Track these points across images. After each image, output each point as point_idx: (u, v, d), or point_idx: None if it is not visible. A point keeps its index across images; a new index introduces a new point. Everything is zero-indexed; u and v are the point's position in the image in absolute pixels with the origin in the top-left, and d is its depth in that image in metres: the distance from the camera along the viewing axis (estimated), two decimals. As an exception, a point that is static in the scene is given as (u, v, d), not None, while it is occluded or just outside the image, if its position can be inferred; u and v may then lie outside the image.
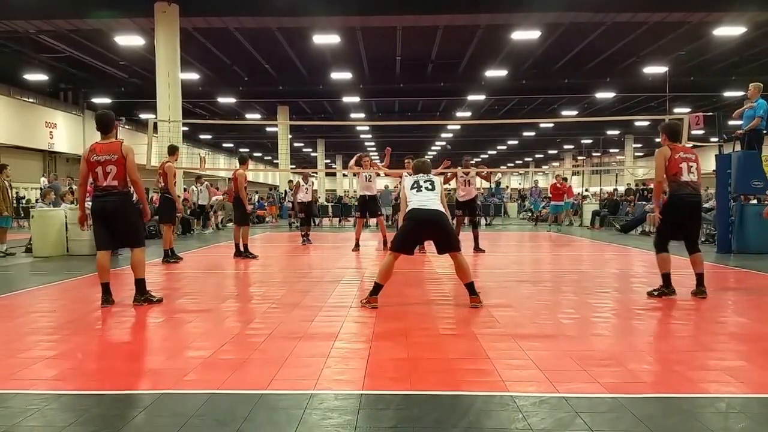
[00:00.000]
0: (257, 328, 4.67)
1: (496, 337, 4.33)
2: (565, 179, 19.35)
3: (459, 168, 11.05)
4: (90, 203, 5.83)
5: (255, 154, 55.20)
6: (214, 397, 3.06)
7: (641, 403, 2.98)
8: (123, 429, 2.66)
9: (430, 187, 5.54)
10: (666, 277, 5.81)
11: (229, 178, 17.39)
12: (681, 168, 5.69)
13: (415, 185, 5.56)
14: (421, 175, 5.72)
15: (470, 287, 5.46)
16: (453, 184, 11.26)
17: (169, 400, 3.05)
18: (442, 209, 5.48)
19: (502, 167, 56.20)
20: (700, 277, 5.89)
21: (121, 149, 5.47)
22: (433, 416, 2.82)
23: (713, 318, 5.22)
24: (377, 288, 5.44)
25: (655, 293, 5.87)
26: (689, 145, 7.99)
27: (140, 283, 5.61)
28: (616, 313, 5.33)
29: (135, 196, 6.07)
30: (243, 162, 10.55)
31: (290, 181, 21.27)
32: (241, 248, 9.90)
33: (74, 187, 17.01)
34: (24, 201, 21.75)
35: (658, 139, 6.78)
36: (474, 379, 3.38)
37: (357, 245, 11.18)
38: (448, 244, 5.46)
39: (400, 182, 5.71)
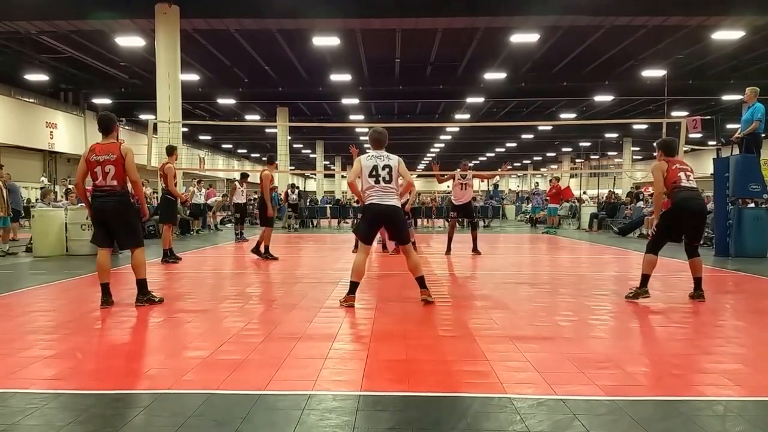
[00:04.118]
0: (256, 329, 4.68)
1: (494, 339, 4.34)
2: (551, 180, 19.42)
3: (457, 171, 11.06)
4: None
5: (254, 155, 55.32)
6: (212, 398, 3.06)
7: (639, 405, 3.00)
8: (122, 429, 2.67)
9: (387, 177, 5.47)
10: (645, 278, 5.81)
11: (228, 179, 17.43)
12: (680, 176, 5.78)
13: (374, 172, 5.47)
14: (380, 155, 5.57)
15: (420, 281, 5.65)
16: (450, 185, 11.28)
17: (168, 400, 3.06)
18: (398, 203, 5.60)
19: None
20: (698, 281, 5.91)
21: (120, 149, 5.47)
22: (431, 418, 2.83)
23: (711, 321, 5.24)
24: (353, 286, 5.55)
25: (630, 295, 5.86)
26: (687, 148, 8.03)
27: (142, 284, 5.61)
28: (613, 316, 5.34)
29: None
30: (270, 162, 10.53)
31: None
32: (261, 249, 9.87)
33: (71, 187, 17.00)
34: (24, 201, 21.72)
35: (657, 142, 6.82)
36: (472, 380, 3.38)
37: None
38: (399, 237, 5.77)
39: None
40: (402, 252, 5.75)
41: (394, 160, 5.60)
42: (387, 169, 5.49)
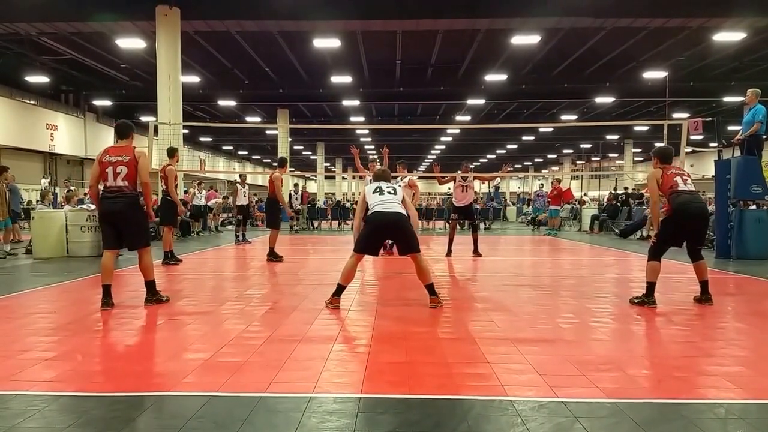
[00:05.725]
0: (256, 331, 4.68)
1: (494, 341, 4.33)
2: (558, 181, 19.38)
3: (458, 172, 11.06)
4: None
5: (255, 157, 55.34)
6: (213, 400, 3.06)
7: (640, 408, 2.99)
8: (122, 431, 2.67)
9: (392, 191, 5.70)
10: (651, 287, 5.68)
11: (230, 181, 17.44)
12: (676, 181, 5.69)
13: (378, 190, 5.72)
14: (383, 182, 5.87)
15: (430, 288, 5.62)
16: (450, 187, 11.28)
17: (169, 403, 3.06)
18: (404, 212, 5.63)
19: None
20: (705, 285, 5.84)
21: (134, 152, 5.67)
22: (431, 420, 2.83)
23: (712, 323, 5.23)
24: (340, 289, 5.60)
25: (636, 301, 5.77)
26: (688, 150, 8.01)
27: (151, 285, 5.78)
28: (615, 318, 5.33)
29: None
30: (282, 165, 10.55)
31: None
32: (276, 252, 9.98)
33: (72, 188, 17.02)
34: (25, 203, 21.73)
35: (657, 144, 6.81)
36: (473, 383, 3.38)
37: None
38: (407, 246, 5.62)
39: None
40: (411, 259, 5.62)
41: (399, 186, 5.92)
42: (391, 188, 5.74)
